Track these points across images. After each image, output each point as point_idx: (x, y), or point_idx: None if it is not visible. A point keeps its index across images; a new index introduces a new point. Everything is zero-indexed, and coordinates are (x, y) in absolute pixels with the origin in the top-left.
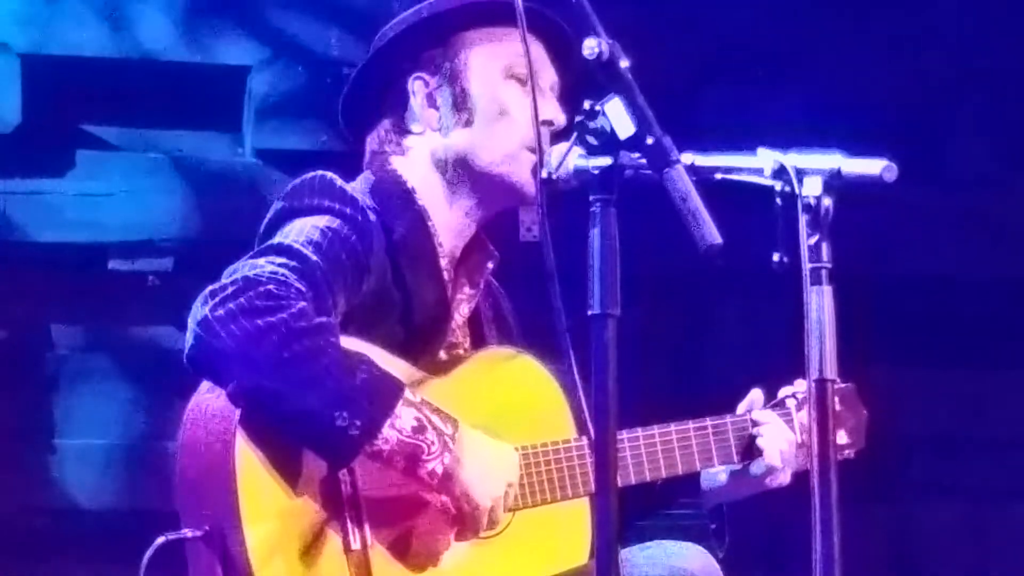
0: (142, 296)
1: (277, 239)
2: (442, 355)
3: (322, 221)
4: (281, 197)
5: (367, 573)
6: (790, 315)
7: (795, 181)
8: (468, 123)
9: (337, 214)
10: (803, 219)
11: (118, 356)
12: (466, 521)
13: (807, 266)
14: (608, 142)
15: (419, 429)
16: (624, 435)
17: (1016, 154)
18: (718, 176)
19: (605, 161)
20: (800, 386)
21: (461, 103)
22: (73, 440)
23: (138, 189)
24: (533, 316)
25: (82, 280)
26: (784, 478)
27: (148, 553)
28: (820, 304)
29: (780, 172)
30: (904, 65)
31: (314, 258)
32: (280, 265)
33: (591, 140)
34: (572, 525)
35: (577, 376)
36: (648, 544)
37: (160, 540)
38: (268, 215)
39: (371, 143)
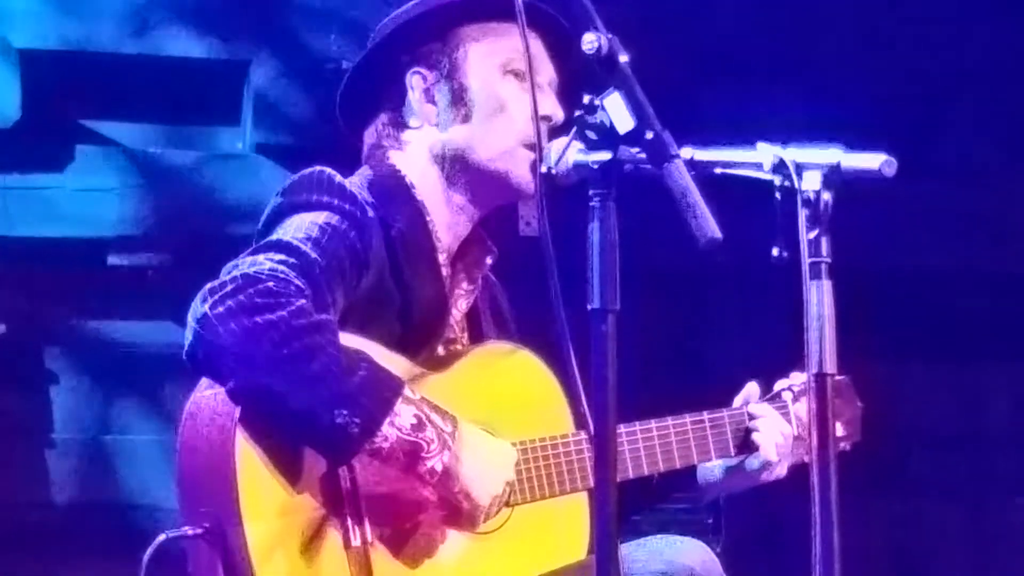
0: (141, 291)
1: (276, 235)
2: (440, 350)
3: (321, 217)
4: (279, 193)
5: (367, 570)
6: (789, 309)
7: (794, 176)
8: (466, 119)
9: (336, 210)
10: (802, 213)
11: (116, 351)
12: (464, 518)
13: (806, 260)
14: (607, 137)
15: (418, 427)
16: (622, 429)
17: (1015, 149)
18: (717, 170)
19: (604, 156)
20: (796, 378)
21: (459, 98)
22: (71, 435)
23: (137, 184)
24: (532, 311)
25: (81, 275)
26: (780, 471)
27: (149, 551)
28: (819, 298)
29: (779, 166)
30: (903, 60)
31: (313, 255)
32: (279, 262)
33: (590, 135)
34: (571, 520)
35: (576, 371)
36: (647, 539)
37: (161, 538)
38: (266, 211)
39: (369, 137)
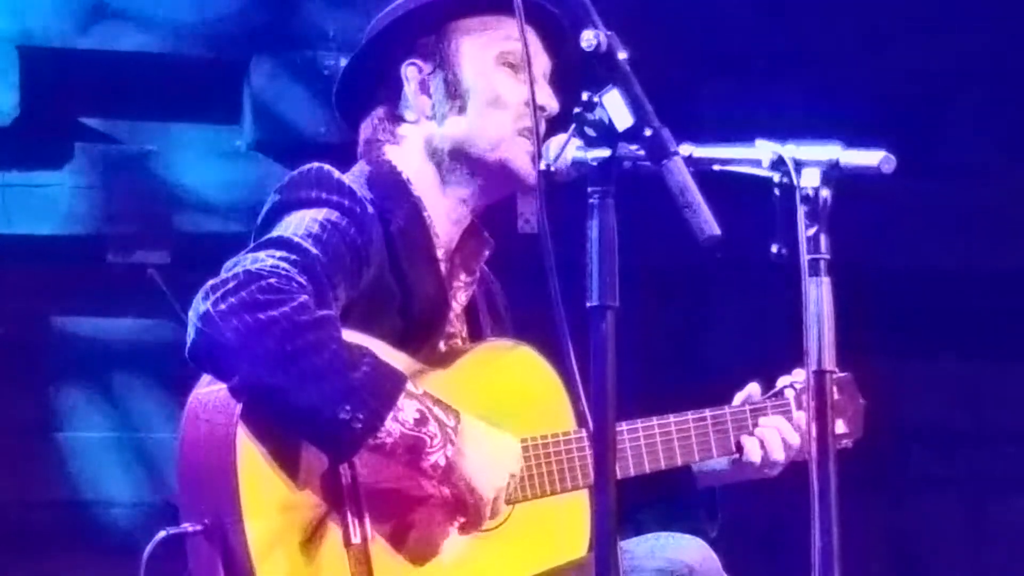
0: (140, 289)
1: (276, 232)
2: (441, 346)
3: (321, 214)
4: (278, 190)
5: (367, 566)
6: (788, 306)
7: (793, 172)
8: (461, 110)
9: (335, 206)
10: (801, 210)
11: (117, 349)
12: (469, 513)
13: (805, 257)
14: (606, 134)
15: (421, 421)
16: (624, 427)
17: (1014, 145)
18: (716, 167)
19: (603, 153)
20: (798, 375)
21: (454, 90)
22: (72, 433)
23: (136, 182)
24: (531, 308)
25: (80, 273)
26: (774, 471)
27: (149, 548)
28: (818, 295)
29: (778, 163)
30: (902, 57)
31: (314, 251)
32: (281, 259)
33: (589, 132)
34: (572, 517)
35: (575, 368)
36: (646, 536)
37: (161, 534)
38: (265, 207)
39: (365, 131)
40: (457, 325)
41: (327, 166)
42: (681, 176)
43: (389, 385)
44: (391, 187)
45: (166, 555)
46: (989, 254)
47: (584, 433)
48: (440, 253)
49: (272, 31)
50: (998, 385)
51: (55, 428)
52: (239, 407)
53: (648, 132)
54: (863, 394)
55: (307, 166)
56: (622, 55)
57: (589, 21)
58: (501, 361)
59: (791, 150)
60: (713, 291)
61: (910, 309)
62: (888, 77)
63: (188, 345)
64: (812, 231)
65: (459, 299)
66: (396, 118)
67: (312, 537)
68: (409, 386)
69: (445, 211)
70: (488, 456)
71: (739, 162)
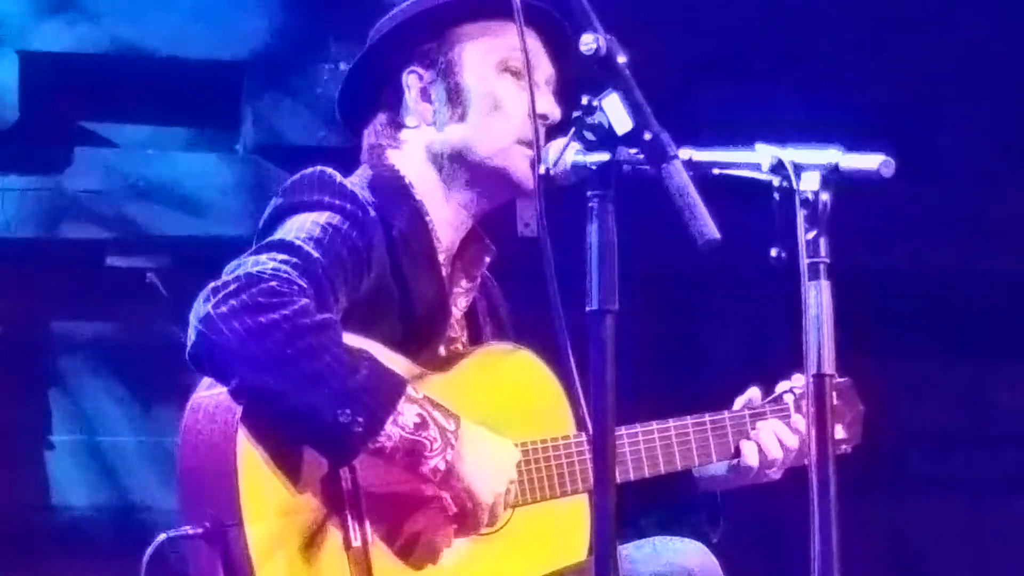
0: (140, 292)
1: (278, 235)
2: (441, 350)
3: (322, 217)
4: (280, 193)
5: (367, 570)
6: (788, 310)
7: (793, 176)
8: (462, 117)
9: (337, 210)
10: (801, 214)
11: (116, 352)
12: (467, 517)
13: (805, 261)
14: (606, 138)
15: (421, 425)
16: (624, 431)
17: (1013, 149)
18: (716, 171)
19: (603, 157)
20: (797, 380)
21: (455, 97)
22: (71, 437)
23: (136, 185)
24: (531, 312)
25: (80, 277)
26: (774, 475)
27: (149, 550)
28: (818, 299)
29: (778, 167)
30: (901, 60)
31: (315, 254)
32: (282, 262)
33: (589, 136)
34: (571, 522)
35: (575, 372)
36: (646, 540)
37: (161, 537)
38: (267, 211)
39: (368, 137)
40: (457, 330)
41: (329, 169)
42: (681, 180)
43: (389, 389)
44: (393, 191)
45: (166, 558)
46: (987, 257)
47: (584, 437)
48: (442, 258)
49: (271, 35)
50: (998, 387)
51: (53, 431)
52: (239, 410)
53: (648, 136)
54: (863, 396)
55: (309, 169)
56: (621, 59)
57: (589, 25)
58: (501, 365)
59: (791, 154)
60: (713, 295)
61: (910, 312)
62: (888, 80)
63: (188, 347)
64: (812, 235)
65: (459, 305)
66: (397, 124)
67: (312, 540)
68: (409, 390)
69: (447, 216)
70: (487, 461)
71: (738, 166)
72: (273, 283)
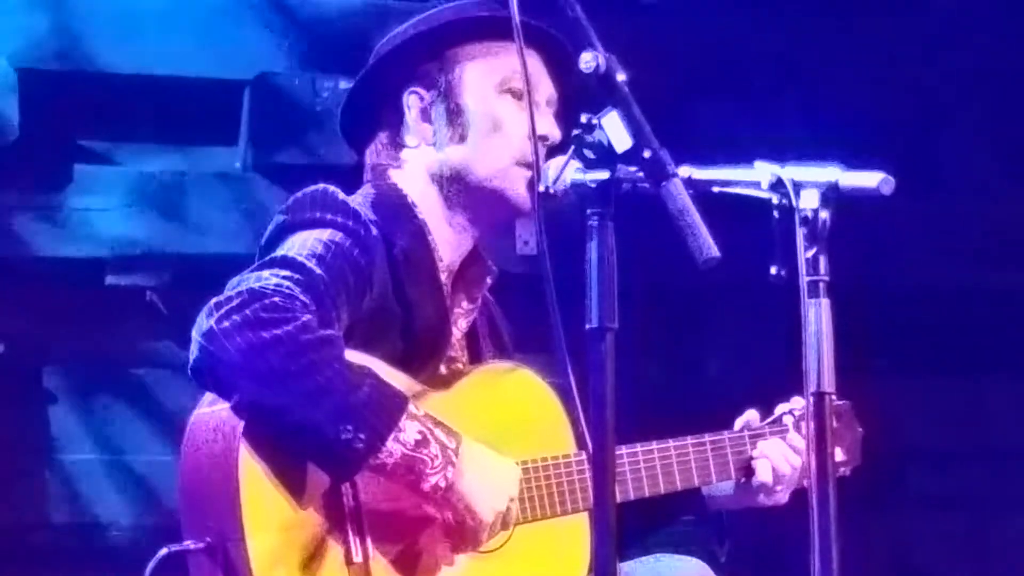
0: (139, 311)
1: (280, 252)
2: (442, 369)
3: (325, 234)
4: (283, 210)
5: None
6: (788, 328)
7: (792, 194)
8: (462, 138)
9: (340, 227)
10: (800, 232)
11: (116, 370)
12: (467, 535)
13: (804, 279)
14: (605, 155)
15: (423, 443)
16: (624, 451)
17: (1013, 165)
18: (715, 189)
19: (602, 175)
20: (796, 403)
21: (455, 118)
22: (71, 455)
23: (135, 203)
24: (531, 329)
25: (79, 295)
26: (782, 497)
27: (151, 565)
28: (818, 317)
29: (777, 185)
30: (901, 77)
31: (318, 271)
32: (285, 278)
33: (588, 154)
34: (572, 540)
35: (575, 390)
36: (648, 557)
37: (163, 552)
38: (270, 227)
39: (370, 156)
40: (458, 350)
41: (332, 188)
42: (680, 198)
43: (391, 406)
44: (396, 209)
45: (168, 573)
46: (988, 273)
47: (584, 456)
48: (443, 277)
49: (270, 54)
50: (999, 404)
51: (53, 449)
52: (241, 425)
53: (647, 154)
54: (863, 413)
55: (312, 187)
56: (621, 77)
57: (588, 43)
58: (501, 383)
59: (790, 171)
60: (712, 313)
61: (910, 328)
62: (887, 96)
63: (191, 362)
64: (811, 253)
65: (460, 325)
66: (398, 144)
67: (313, 556)
68: (411, 407)
69: (449, 235)
70: (488, 479)
71: (738, 184)
72: (276, 299)
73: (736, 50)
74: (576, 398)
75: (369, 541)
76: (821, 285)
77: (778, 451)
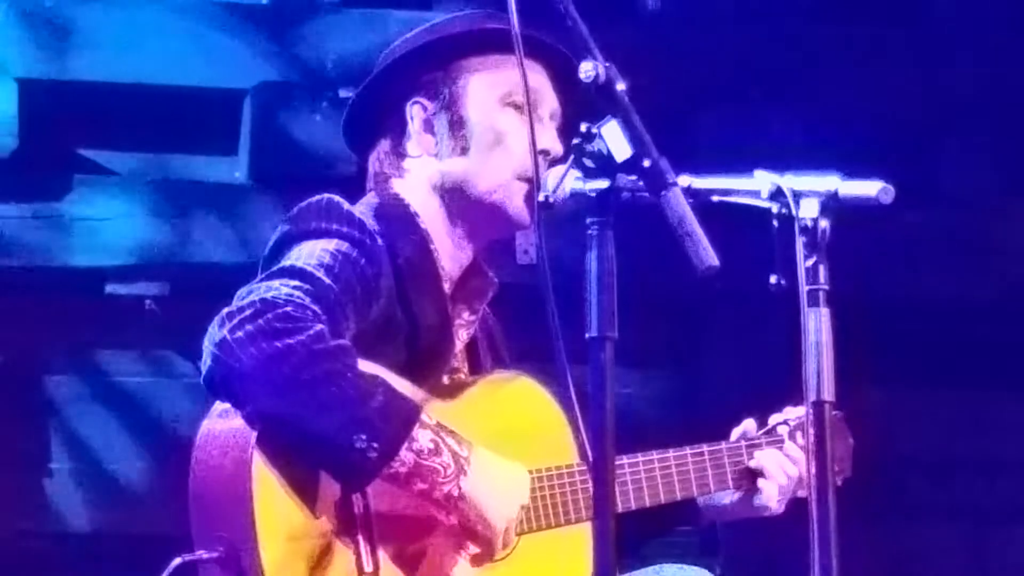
0: (139, 320)
1: (288, 262)
2: (445, 380)
3: (331, 244)
4: (287, 220)
5: None
6: (787, 337)
7: (792, 203)
8: (464, 151)
9: (346, 237)
10: (800, 241)
11: (115, 380)
12: (481, 543)
13: (804, 288)
14: (605, 165)
15: (435, 451)
16: (624, 460)
17: (1013, 175)
18: (715, 198)
19: (602, 184)
20: (790, 413)
21: (457, 130)
22: (70, 464)
23: (135, 213)
24: (530, 339)
25: (79, 304)
26: (777, 508)
27: (164, 575)
28: (817, 326)
29: (777, 194)
30: (901, 87)
31: (327, 281)
32: (295, 288)
33: (588, 163)
34: (575, 549)
35: (575, 399)
36: (648, 568)
37: (176, 561)
38: (274, 237)
39: (373, 164)
40: (459, 360)
41: (336, 197)
42: (680, 207)
43: (404, 415)
44: (399, 219)
45: None
46: (988, 283)
47: (586, 466)
48: (446, 287)
49: (270, 63)
50: (998, 415)
51: (53, 459)
52: (254, 435)
53: (647, 163)
54: (862, 424)
55: (316, 197)
56: (621, 86)
57: (588, 52)
58: (505, 393)
59: (790, 181)
60: (712, 322)
61: (909, 338)
62: (887, 107)
63: (204, 372)
64: (811, 262)
65: (461, 336)
66: (400, 153)
67: (325, 565)
68: (424, 416)
69: (450, 245)
70: (500, 487)
71: (738, 193)
72: (288, 308)
73: (736, 59)
74: (576, 407)
75: (380, 550)
76: (821, 294)
77: (775, 461)
